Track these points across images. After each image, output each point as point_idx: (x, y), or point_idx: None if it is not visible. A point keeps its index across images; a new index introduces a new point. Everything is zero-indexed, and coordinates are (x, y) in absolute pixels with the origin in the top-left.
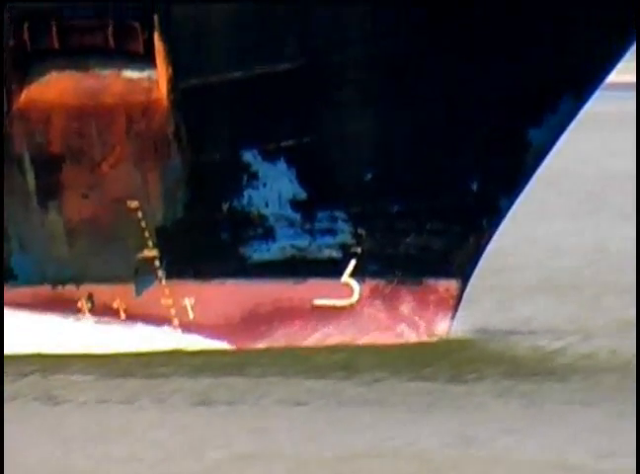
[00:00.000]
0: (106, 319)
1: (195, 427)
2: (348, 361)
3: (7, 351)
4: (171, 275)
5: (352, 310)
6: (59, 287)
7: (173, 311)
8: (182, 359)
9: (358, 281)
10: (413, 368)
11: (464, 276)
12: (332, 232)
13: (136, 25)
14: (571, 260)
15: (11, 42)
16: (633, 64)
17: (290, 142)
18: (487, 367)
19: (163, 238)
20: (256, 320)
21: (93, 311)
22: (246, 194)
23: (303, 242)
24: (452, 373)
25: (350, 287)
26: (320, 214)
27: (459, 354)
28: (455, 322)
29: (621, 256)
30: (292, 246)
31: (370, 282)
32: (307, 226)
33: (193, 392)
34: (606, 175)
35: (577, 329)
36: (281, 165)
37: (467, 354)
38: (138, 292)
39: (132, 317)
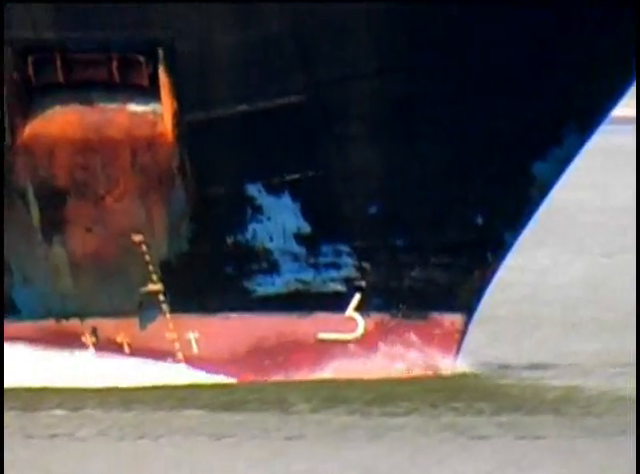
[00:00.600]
0: (110, 353)
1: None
2: (351, 395)
3: (11, 384)
4: (175, 308)
5: (356, 344)
6: (63, 321)
7: (177, 345)
8: (186, 393)
9: (362, 315)
10: (416, 402)
11: (469, 310)
12: (336, 266)
13: (141, 58)
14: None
15: (15, 76)
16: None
17: (295, 176)
18: (493, 401)
19: (167, 272)
20: (260, 354)
21: (97, 345)
22: (250, 227)
23: (308, 276)
24: (459, 407)
25: (354, 321)
26: (324, 248)
27: (465, 387)
28: (460, 356)
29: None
30: (297, 280)
31: (375, 316)
32: (312, 260)
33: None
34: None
35: (571, 362)
36: (286, 199)
37: (473, 387)
38: (142, 326)
39: (136, 351)
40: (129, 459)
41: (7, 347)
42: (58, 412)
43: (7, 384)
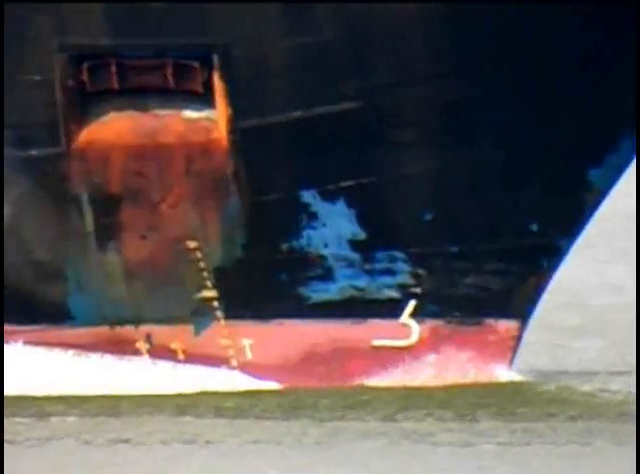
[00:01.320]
0: (164, 359)
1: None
2: (407, 401)
3: (66, 391)
4: (229, 315)
5: (410, 351)
6: (117, 328)
7: (231, 352)
8: (240, 400)
9: (417, 322)
10: (472, 409)
11: (524, 316)
12: (391, 272)
13: (196, 64)
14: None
15: (70, 82)
16: None
17: (350, 183)
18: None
19: (222, 278)
20: (314, 361)
21: (151, 351)
22: (305, 234)
23: (362, 282)
24: (516, 414)
25: (409, 328)
26: (379, 255)
27: (520, 394)
28: (515, 363)
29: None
30: (351, 286)
31: (429, 323)
32: (366, 266)
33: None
34: None
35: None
36: (341, 205)
37: (528, 394)
38: (197, 333)
39: (191, 358)
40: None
41: (61, 354)
42: (113, 420)
43: (63, 391)
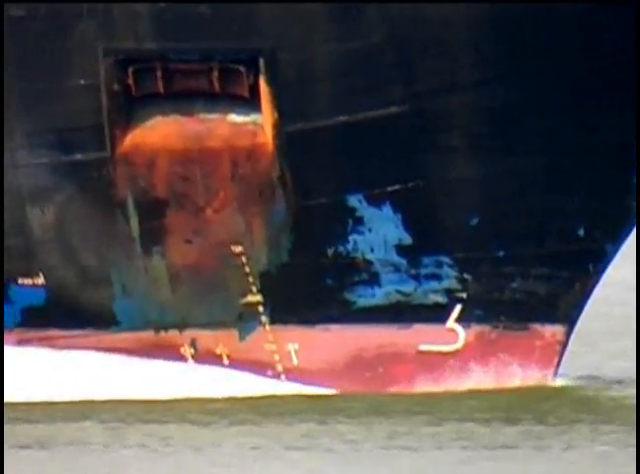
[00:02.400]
0: (209, 364)
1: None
2: (453, 406)
3: (111, 396)
4: (275, 320)
5: (457, 355)
6: (162, 333)
7: (276, 357)
8: (286, 404)
9: (463, 327)
10: (517, 414)
11: (570, 321)
12: (437, 277)
13: (242, 68)
14: None
15: (115, 86)
16: None
17: (396, 187)
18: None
19: (267, 283)
20: (360, 366)
21: (196, 356)
22: (351, 239)
23: (409, 287)
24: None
25: (455, 333)
26: (425, 259)
27: (566, 399)
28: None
29: None
30: (398, 291)
31: (476, 328)
32: (413, 271)
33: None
34: None
35: None
36: (387, 210)
37: (574, 399)
38: (242, 338)
39: (236, 362)
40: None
41: (107, 358)
42: (149, 423)
43: (108, 396)
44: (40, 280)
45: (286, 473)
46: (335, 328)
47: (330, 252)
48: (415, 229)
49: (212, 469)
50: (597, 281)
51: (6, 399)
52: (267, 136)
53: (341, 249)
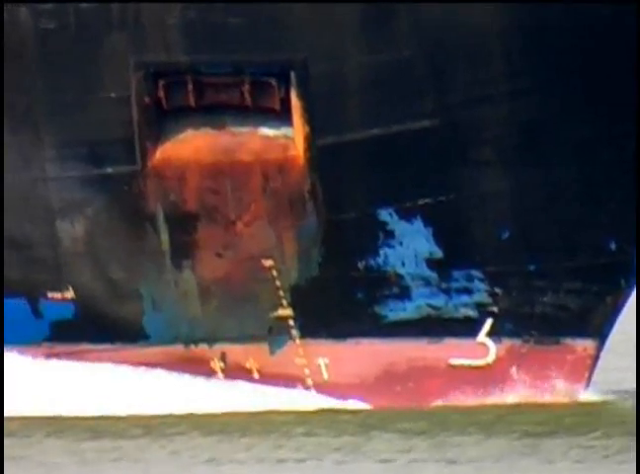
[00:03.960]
0: (238, 378)
1: None
2: (486, 420)
3: (140, 410)
4: (305, 334)
5: (488, 370)
6: (192, 347)
7: (307, 371)
8: (315, 419)
9: (494, 341)
10: (551, 428)
11: (602, 335)
12: (468, 291)
13: (273, 81)
14: None
15: (146, 99)
16: None
17: (427, 201)
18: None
19: (297, 297)
20: (391, 380)
21: (226, 370)
22: (382, 252)
23: (439, 301)
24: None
25: (486, 347)
26: (456, 273)
27: (597, 413)
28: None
29: None
30: (428, 305)
31: (507, 342)
32: (443, 285)
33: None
34: None
35: None
36: (418, 224)
37: (605, 413)
38: (272, 352)
39: (266, 377)
40: None
41: (136, 372)
42: (178, 438)
43: (137, 411)
44: (70, 294)
45: None
46: (365, 342)
47: (361, 266)
48: (446, 243)
49: None
50: (628, 295)
51: (33, 413)
52: (298, 150)
53: (371, 263)
